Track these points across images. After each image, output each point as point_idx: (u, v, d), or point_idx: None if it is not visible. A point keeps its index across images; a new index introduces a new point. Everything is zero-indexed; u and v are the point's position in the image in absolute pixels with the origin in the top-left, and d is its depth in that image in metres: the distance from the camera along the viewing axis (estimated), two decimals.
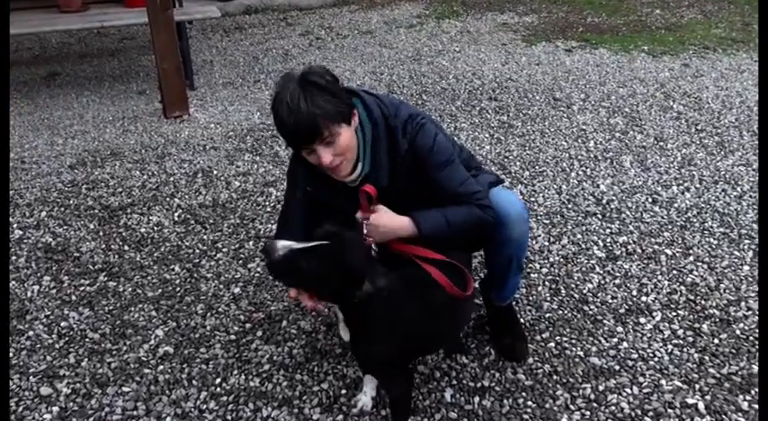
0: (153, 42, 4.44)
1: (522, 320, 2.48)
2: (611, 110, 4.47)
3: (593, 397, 2.15)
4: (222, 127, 4.40)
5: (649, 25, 6.58)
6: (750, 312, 2.52)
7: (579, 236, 3.03)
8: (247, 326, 2.53)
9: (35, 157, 4.02)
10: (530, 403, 2.13)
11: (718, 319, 2.49)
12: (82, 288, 2.78)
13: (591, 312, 2.54)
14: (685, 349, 2.35)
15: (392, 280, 1.79)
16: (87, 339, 2.49)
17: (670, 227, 3.09)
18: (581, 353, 2.34)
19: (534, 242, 2.98)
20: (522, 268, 2.29)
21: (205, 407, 2.17)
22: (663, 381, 2.20)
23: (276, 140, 4.08)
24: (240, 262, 2.92)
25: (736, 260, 2.83)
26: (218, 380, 2.27)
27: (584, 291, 2.66)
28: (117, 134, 4.35)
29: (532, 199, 3.36)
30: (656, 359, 2.30)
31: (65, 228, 3.24)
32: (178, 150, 4.05)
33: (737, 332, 2.42)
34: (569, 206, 3.29)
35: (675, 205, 3.27)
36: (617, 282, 2.72)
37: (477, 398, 2.15)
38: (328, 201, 2.03)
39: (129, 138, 4.28)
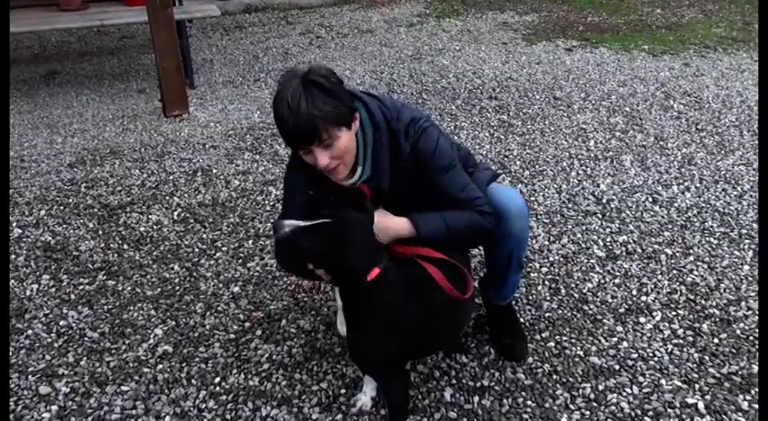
0: (153, 41, 4.44)
1: (521, 320, 2.48)
2: (612, 109, 4.46)
3: (592, 396, 2.15)
4: (222, 125, 4.40)
5: (650, 24, 6.58)
6: (750, 312, 2.51)
7: (579, 235, 3.03)
8: (246, 325, 2.53)
9: (34, 156, 4.01)
10: (529, 402, 2.13)
11: (718, 319, 2.48)
12: (81, 287, 2.78)
13: (591, 312, 2.54)
14: (685, 349, 2.34)
15: (394, 272, 1.79)
16: (86, 338, 2.48)
17: (670, 226, 3.09)
18: (581, 353, 2.33)
19: (534, 241, 2.98)
20: (522, 266, 2.28)
21: (204, 406, 2.16)
22: (663, 381, 2.20)
23: (276, 139, 4.07)
24: (239, 261, 2.92)
25: (736, 260, 2.83)
26: (218, 380, 2.26)
27: (584, 291, 2.66)
28: (116, 133, 4.34)
29: (532, 198, 3.35)
30: (655, 359, 2.30)
31: (64, 226, 3.23)
32: (178, 149, 4.05)
33: (737, 332, 2.42)
34: (569, 205, 3.28)
35: (676, 205, 3.27)
36: (617, 281, 2.71)
37: (476, 398, 2.15)
38: (328, 205, 2.02)
39: (128, 136, 4.27)
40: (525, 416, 2.08)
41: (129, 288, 2.76)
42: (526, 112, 4.44)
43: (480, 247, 2.42)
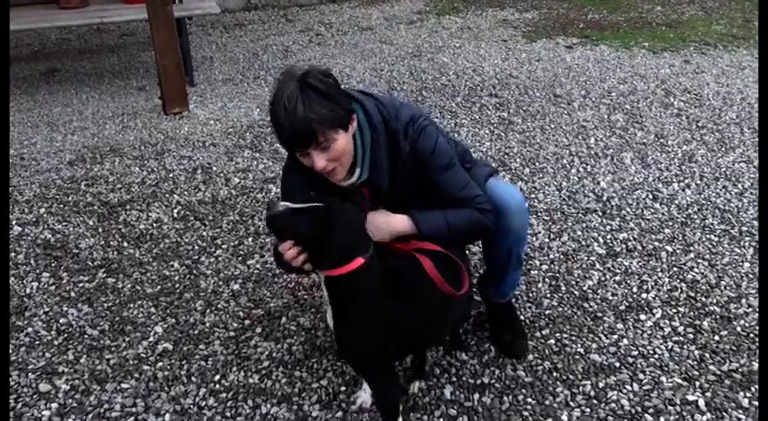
0: (153, 38, 4.43)
1: (521, 317, 2.48)
2: (612, 106, 4.46)
3: (593, 394, 2.15)
4: (222, 123, 4.40)
5: (650, 22, 6.57)
6: (750, 309, 2.51)
7: (579, 232, 3.03)
8: (246, 322, 2.53)
9: (34, 154, 4.01)
10: (530, 400, 2.13)
11: (718, 316, 2.48)
12: (81, 284, 2.78)
13: (591, 309, 2.54)
14: (686, 346, 2.34)
15: (377, 263, 1.79)
16: (86, 336, 2.48)
17: (670, 223, 3.09)
18: (581, 350, 2.33)
19: (534, 239, 2.98)
20: (522, 263, 2.28)
21: (204, 403, 2.16)
22: (663, 378, 2.20)
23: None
24: (239, 258, 2.92)
25: (736, 257, 2.83)
26: (218, 377, 2.27)
27: (585, 288, 2.66)
28: (116, 130, 4.34)
29: (533, 195, 3.35)
30: (656, 356, 2.30)
31: (64, 224, 3.23)
32: (177, 147, 4.05)
33: (738, 329, 2.41)
34: (570, 203, 3.28)
35: (676, 202, 3.26)
36: (617, 278, 2.71)
37: (476, 395, 2.15)
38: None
39: (128, 134, 4.27)
40: (525, 413, 2.08)
41: (129, 285, 2.76)
42: (526, 110, 4.43)
43: (480, 244, 2.41)
